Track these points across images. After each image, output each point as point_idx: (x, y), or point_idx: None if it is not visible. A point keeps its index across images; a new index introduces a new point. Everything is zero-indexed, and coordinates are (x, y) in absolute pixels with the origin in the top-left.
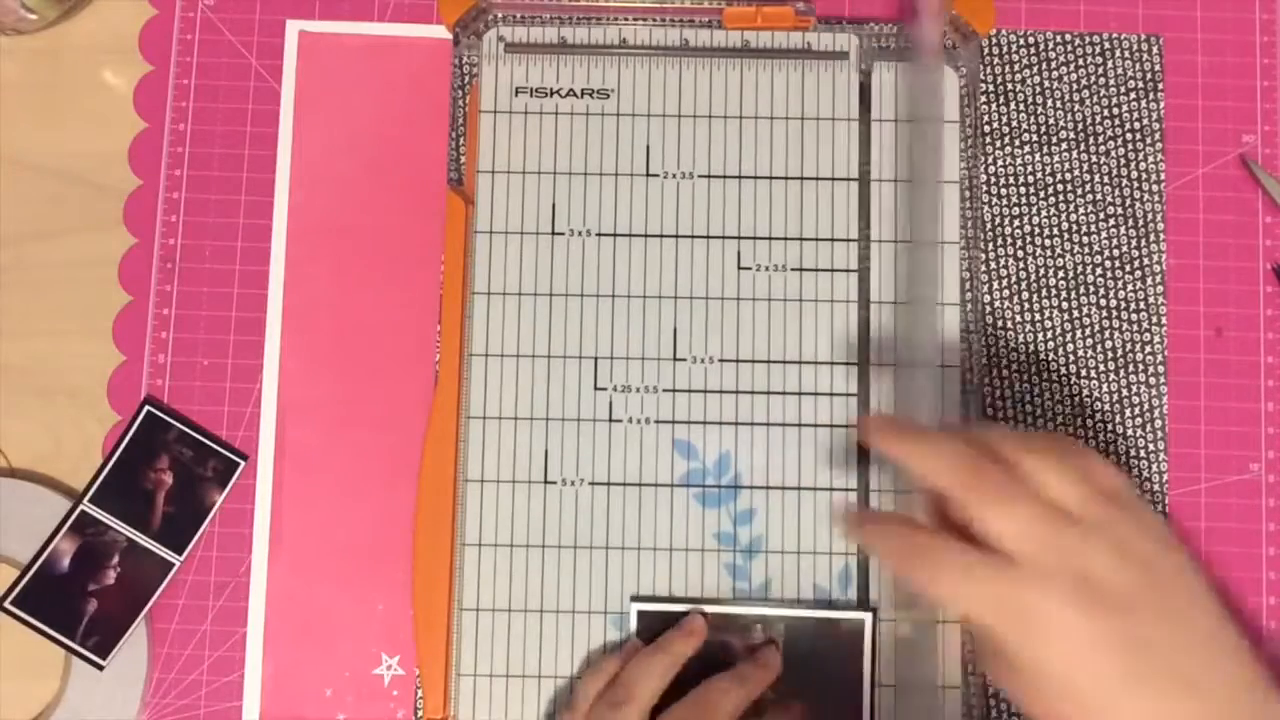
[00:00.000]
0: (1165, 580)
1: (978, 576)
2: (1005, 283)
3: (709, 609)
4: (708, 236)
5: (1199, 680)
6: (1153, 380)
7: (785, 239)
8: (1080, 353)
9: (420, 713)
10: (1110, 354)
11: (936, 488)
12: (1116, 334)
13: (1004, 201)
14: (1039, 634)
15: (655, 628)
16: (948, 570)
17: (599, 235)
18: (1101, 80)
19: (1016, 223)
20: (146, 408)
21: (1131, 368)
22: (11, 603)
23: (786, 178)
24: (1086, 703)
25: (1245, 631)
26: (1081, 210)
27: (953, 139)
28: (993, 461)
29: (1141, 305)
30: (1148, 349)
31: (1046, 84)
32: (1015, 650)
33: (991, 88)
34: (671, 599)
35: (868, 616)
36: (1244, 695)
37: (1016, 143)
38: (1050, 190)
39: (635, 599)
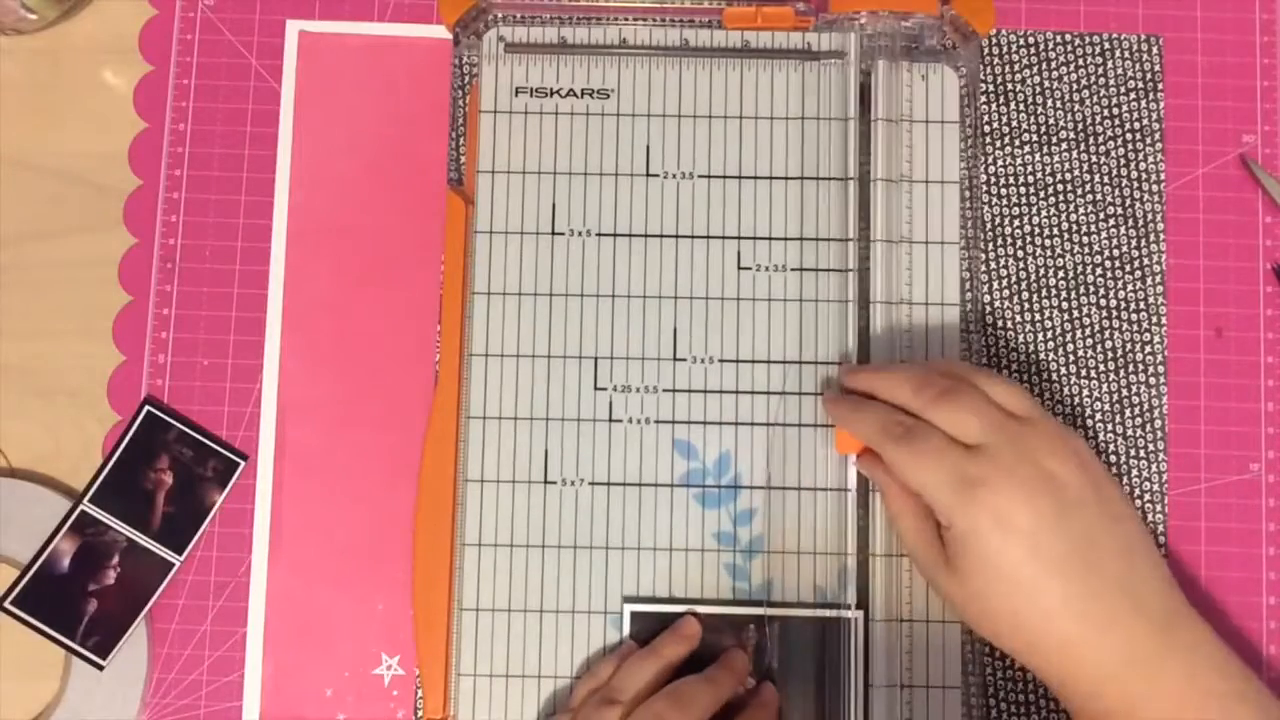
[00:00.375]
0: (1105, 486)
1: (951, 458)
2: (1005, 283)
3: (702, 609)
4: (708, 236)
5: (1140, 591)
6: (1152, 380)
7: (785, 239)
8: (1080, 353)
9: (420, 713)
10: (1110, 354)
11: (900, 403)
12: (1116, 334)
13: (1004, 201)
14: (1000, 521)
15: (650, 628)
16: (925, 447)
17: (599, 235)
18: (1101, 80)
19: (1016, 223)
20: (146, 408)
21: (1131, 368)
22: (11, 603)
23: (786, 178)
24: (1034, 598)
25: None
26: (1081, 210)
27: (953, 139)
28: (942, 375)
29: (1141, 305)
30: (1147, 349)
31: (1046, 84)
32: (973, 541)
33: (991, 88)
34: (670, 599)
35: (859, 615)
36: (1178, 612)
37: (1016, 143)
38: (1050, 190)
39: (628, 600)
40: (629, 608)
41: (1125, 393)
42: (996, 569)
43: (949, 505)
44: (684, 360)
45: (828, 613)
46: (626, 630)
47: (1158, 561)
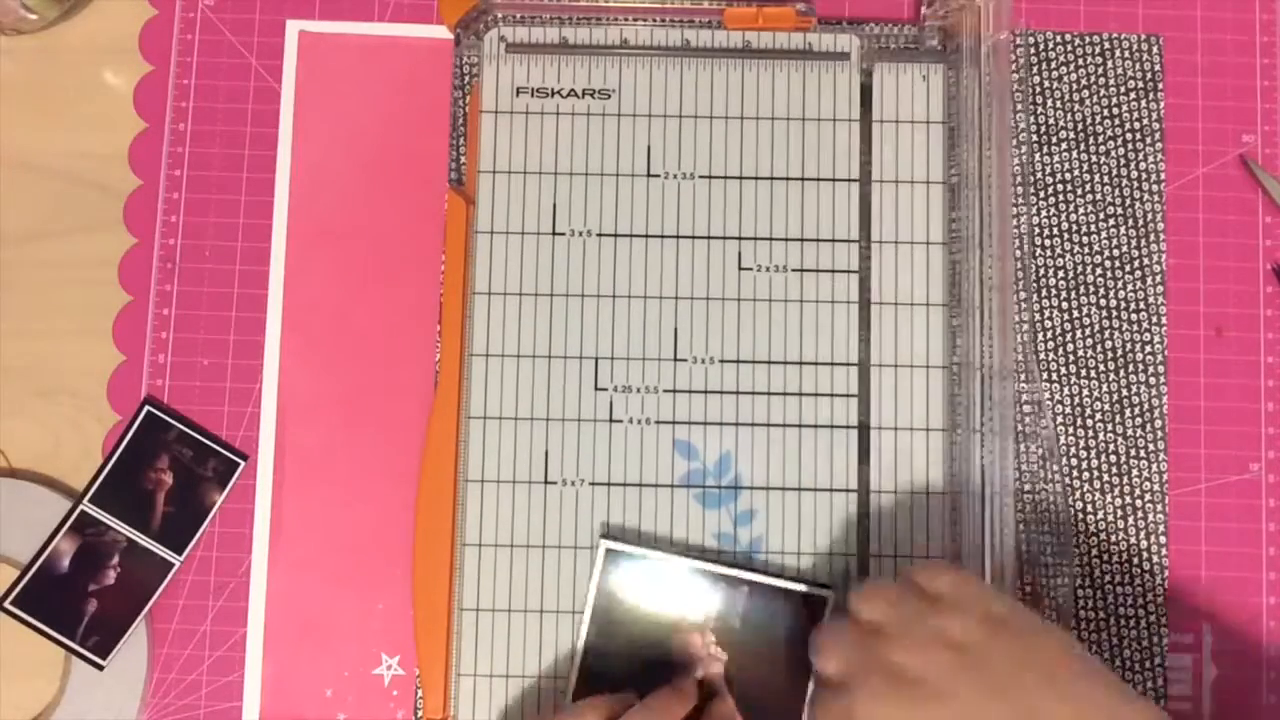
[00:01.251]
0: (988, 654)
1: (824, 706)
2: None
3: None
4: (708, 237)
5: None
6: (1153, 380)
7: (786, 240)
8: (1080, 353)
9: (420, 713)
10: (1110, 354)
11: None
12: (1116, 334)
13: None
14: None
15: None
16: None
17: (600, 235)
18: (1101, 80)
19: (1016, 223)
20: (146, 408)
21: (1131, 367)
22: (11, 603)
23: (787, 178)
24: None
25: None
26: (1081, 210)
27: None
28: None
29: (1141, 305)
30: (1148, 349)
31: (1046, 84)
32: None
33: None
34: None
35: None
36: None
37: (1016, 142)
38: (1050, 190)
39: (605, 536)
40: (605, 544)
41: (1125, 392)
42: None
43: None
44: (684, 361)
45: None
46: (599, 564)
47: (1083, 691)
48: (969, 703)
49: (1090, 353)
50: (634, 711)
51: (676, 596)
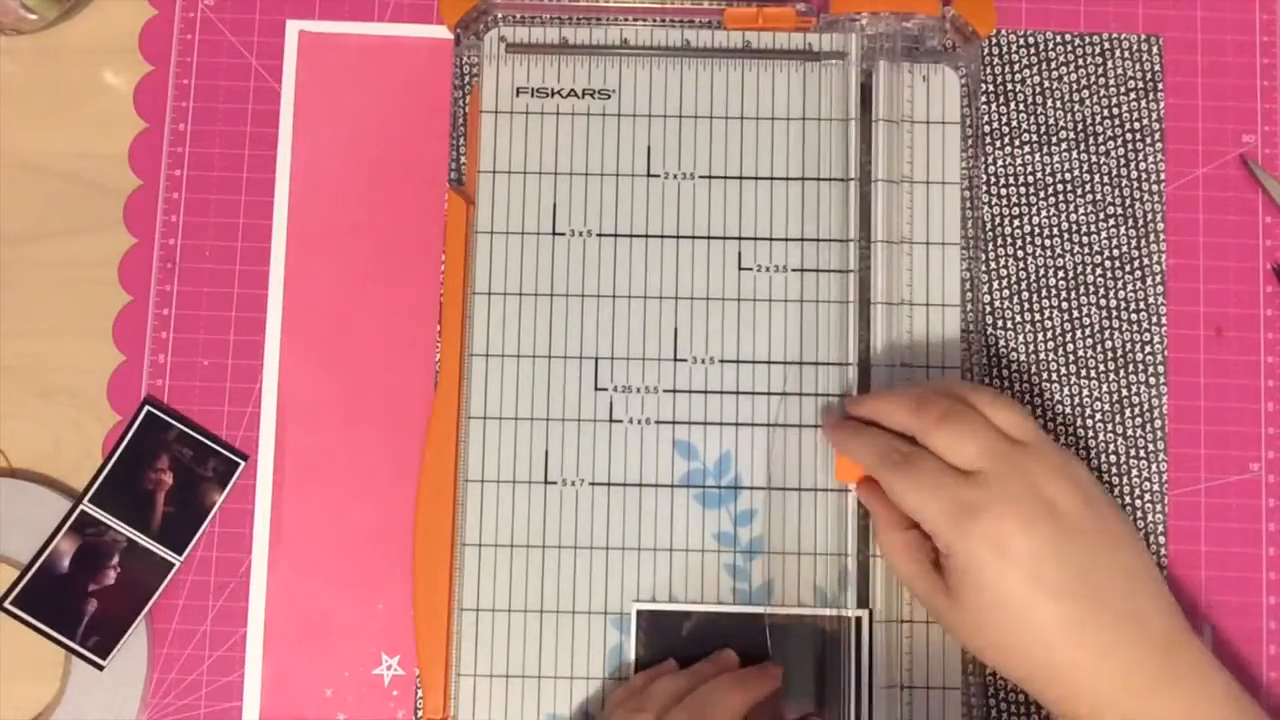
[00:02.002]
0: (1105, 511)
1: (950, 485)
2: (1005, 283)
3: (705, 608)
4: (708, 237)
5: (1141, 616)
6: (1153, 380)
7: (786, 239)
8: (1080, 353)
9: (420, 713)
10: (1110, 354)
11: (899, 427)
12: (1116, 334)
13: (1004, 201)
14: (999, 549)
15: (656, 628)
16: (924, 475)
17: (600, 235)
18: (1101, 80)
19: (1016, 223)
20: (146, 408)
21: (1131, 368)
22: (11, 603)
23: (787, 178)
24: (1034, 625)
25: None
26: (1081, 210)
27: (953, 140)
28: (942, 397)
29: (1141, 305)
30: (1147, 349)
31: (1046, 84)
32: (972, 569)
33: (991, 88)
34: (670, 599)
35: (860, 616)
36: (1179, 638)
37: (1016, 143)
38: (1050, 190)
39: (638, 601)
40: (637, 605)
41: (1125, 393)
42: (996, 597)
43: (947, 533)
44: (684, 361)
45: (828, 612)
46: (631, 631)
47: (1159, 588)
48: (1087, 544)
49: (1090, 353)
50: (722, 679)
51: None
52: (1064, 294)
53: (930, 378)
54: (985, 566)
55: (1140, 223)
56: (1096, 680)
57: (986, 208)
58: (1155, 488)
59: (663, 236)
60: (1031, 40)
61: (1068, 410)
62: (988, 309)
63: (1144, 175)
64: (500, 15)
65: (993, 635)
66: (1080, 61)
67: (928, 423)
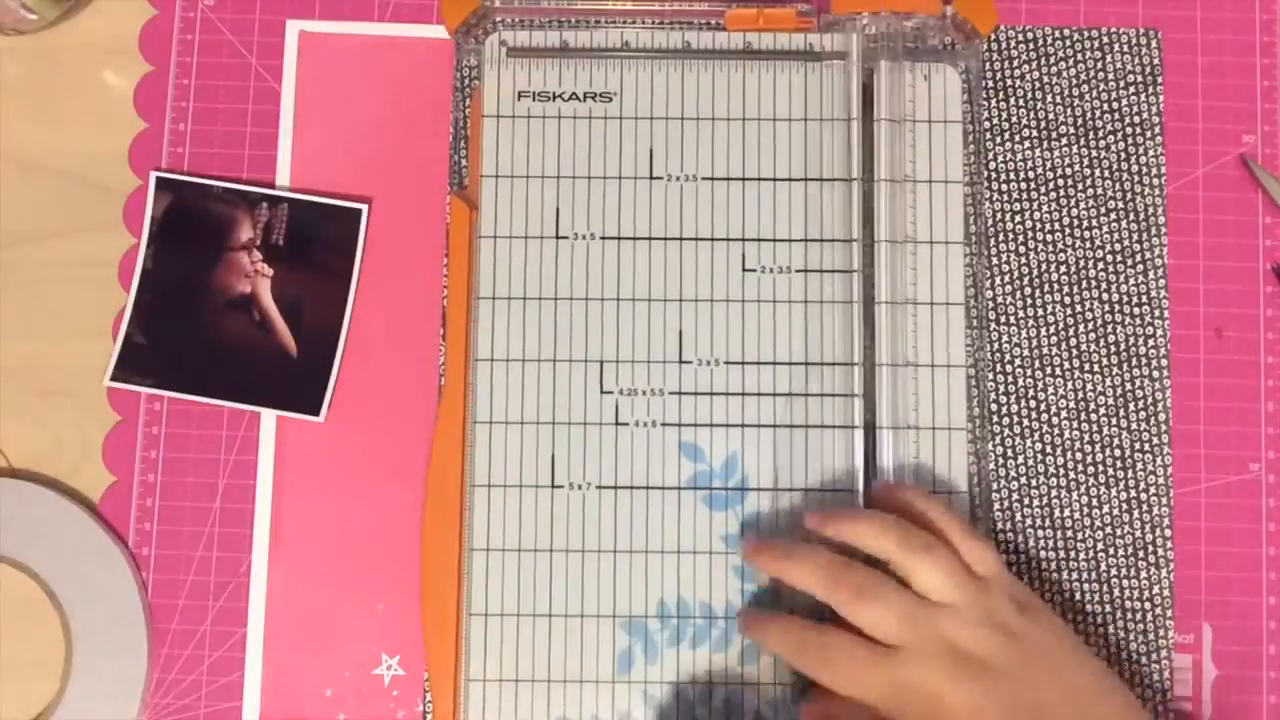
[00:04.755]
0: (1035, 641)
1: (865, 666)
2: (1008, 278)
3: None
4: (712, 239)
5: None
6: (1155, 374)
7: (789, 240)
8: (1083, 348)
9: (429, 718)
10: (1113, 348)
11: (811, 593)
12: (1119, 328)
13: (1005, 197)
14: (930, 712)
15: None
16: (838, 663)
17: (603, 239)
18: (1101, 75)
19: (1018, 219)
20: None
21: (1135, 361)
22: None
23: (790, 179)
24: None
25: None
26: (1082, 205)
27: (955, 138)
28: (855, 565)
29: (1143, 299)
30: (1150, 343)
31: (1046, 79)
32: None
33: (991, 84)
34: (678, 602)
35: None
36: None
37: (1017, 138)
38: (1051, 185)
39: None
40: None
41: (1129, 386)
42: None
43: (891, 713)
44: (690, 363)
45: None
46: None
47: (1112, 694)
48: (1024, 682)
49: (1093, 347)
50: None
51: None
52: (1066, 289)
53: (935, 376)
54: None
55: (1141, 217)
56: None
57: (988, 204)
58: (1160, 481)
59: (666, 239)
60: (1031, 36)
61: (1071, 405)
62: (991, 304)
63: (1144, 169)
64: (501, 19)
65: None
66: (1080, 56)
67: (842, 599)
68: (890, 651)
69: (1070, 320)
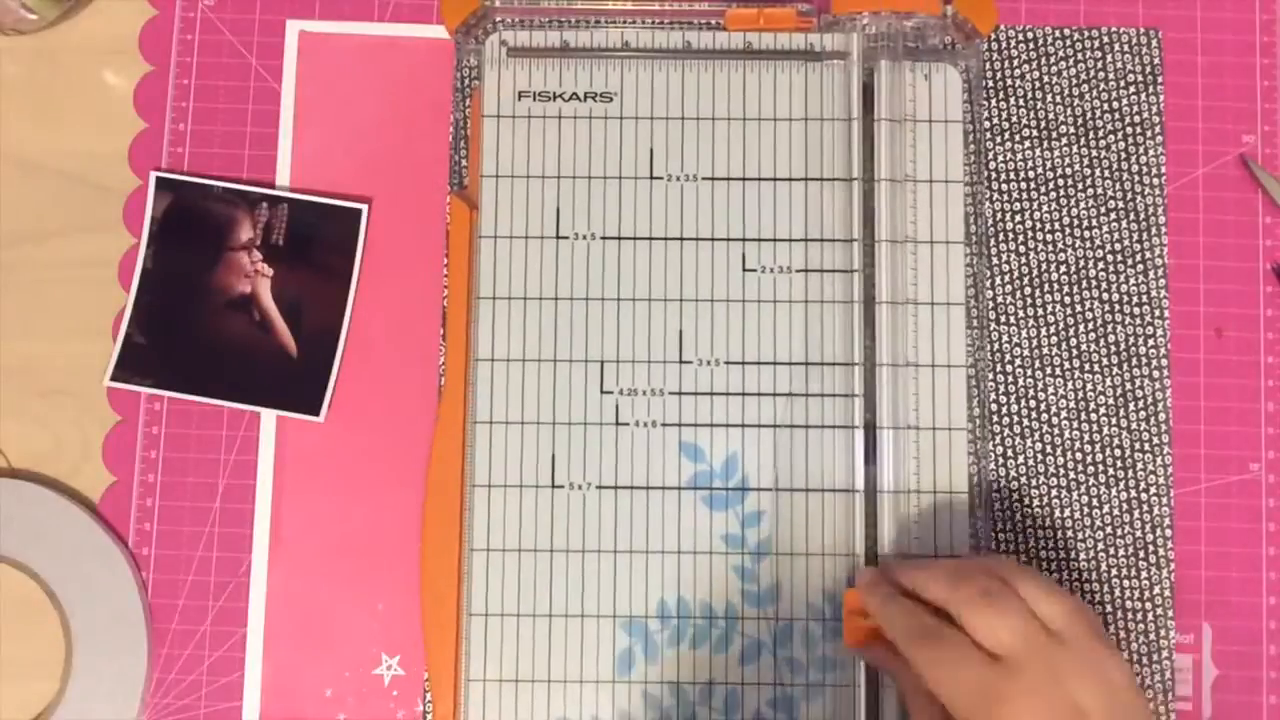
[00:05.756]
0: (1129, 714)
1: (977, 668)
2: (1008, 278)
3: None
4: (712, 239)
5: None
6: (1155, 374)
7: (790, 240)
8: (1083, 347)
9: (429, 718)
10: (1113, 348)
11: (934, 598)
12: (1119, 328)
13: (1005, 197)
14: None
15: None
16: (948, 652)
17: (604, 239)
18: (1101, 75)
19: (1018, 218)
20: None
21: (1135, 361)
22: None
23: (790, 179)
24: None
25: None
26: (1082, 205)
27: (956, 138)
28: (981, 573)
29: (1144, 299)
30: (1150, 342)
31: (1046, 79)
32: None
33: (991, 83)
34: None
35: None
36: None
37: (1017, 138)
38: (1051, 185)
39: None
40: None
41: (1129, 386)
42: None
43: (967, 716)
44: (690, 363)
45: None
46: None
47: None
48: None
49: (1093, 347)
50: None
51: None
52: (1066, 288)
53: (935, 375)
54: None
55: (1141, 216)
56: None
57: (988, 204)
58: (1161, 481)
59: (666, 239)
60: (1031, 35)
61: (1071, 405)
62: (991, 304)
63: (1144, 169)
64: (501, 19)
65: None
66: (1080, 56)
67: (964, 598)
68: (1000, 660)
69: (1070, 320)
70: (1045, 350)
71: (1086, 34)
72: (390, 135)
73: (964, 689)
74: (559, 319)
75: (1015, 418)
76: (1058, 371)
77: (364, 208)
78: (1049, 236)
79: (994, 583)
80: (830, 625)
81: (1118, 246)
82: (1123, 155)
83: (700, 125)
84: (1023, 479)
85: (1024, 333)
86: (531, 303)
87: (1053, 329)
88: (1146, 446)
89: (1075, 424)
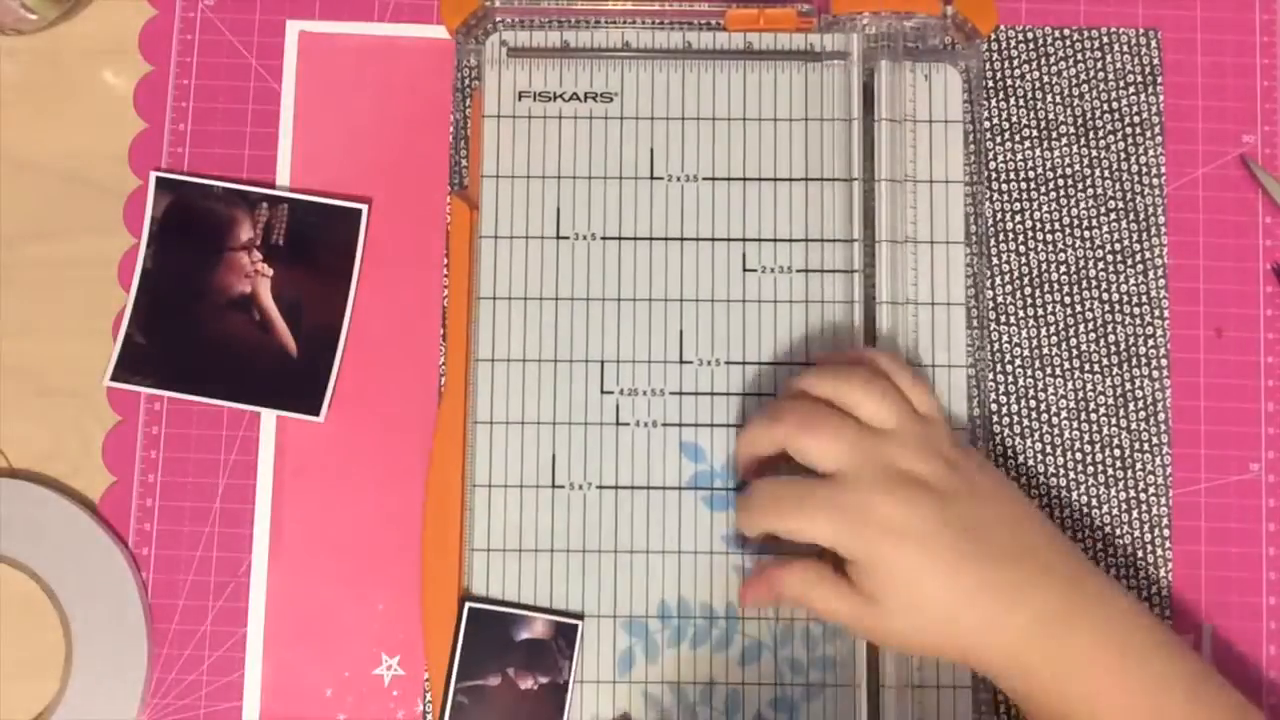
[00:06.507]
0: (972, 472)
1: (817, 498)
2: (1008, 278)
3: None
4: (713, 239)
5: (1037, 561)
6: (1155, 374)
7: (790, 240)
8: (1083, 347)
9: (429, 718)
10: (1113, 348)
11: (769, 444)
12: (1119, 328)
13: (1005, 197)
14: (879, 535)
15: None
16: (790, 501)
17: (604, 239)
18: (1100, 75)
19: (1018, 218)
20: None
21: (1135, 361)
22: None
23: (791, 179)
24: (938, 596)
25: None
26: (1082, 205)
27: (956, 138)
28: (801, 400)
29: (1143, 299)
30: (1150, 342)
31: (1046, 79)
32: (876, 561)
33: (991, 83)
34: (679, 601)
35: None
36: (1079, 571)
37: (1017, 138)
38: (1051, 185)
39: (469, 598)
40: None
41: (1129, 386)
42: (903, 581)
43: (848, 540)
44: (690, 363)
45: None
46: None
47: (1047, 529)
48: (961, 503)
49: (1093, 347)
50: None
51: None
52: (1066, 288)
53: (936, 375)
54: (886, 555)
55: (1141, 216)
56: (1010, 628)
57: (988, 204)
58: (1160, 481)
59: (667, 239)
60: (1031, 35)
61: (1071, 405)
62: (991, 304)
63: (1144, 169)
64: (501, 19)
65: (912, 621)
66: (1079, 56)
67: (791, 431)
68: (837, 480)
69: (1070, 320)
70: (1045, 350)
71: (1086, 34)
72: (390, 135)
73: (830, 517)
74: (559, 319)
75: (1015, 418)
76: (1058, 371)
77: (364, 208)
78: (1049, 236)
79: (812, 407)
80: (831, 625)
81: (1118, 246)
82: (1123, 155)
83: (700, 125)
84: (1023, 479)
85: (1024, 333)
86: (532, 303)
87: (1053, 329)
88: (1146, 446)
89: (1075, 424)
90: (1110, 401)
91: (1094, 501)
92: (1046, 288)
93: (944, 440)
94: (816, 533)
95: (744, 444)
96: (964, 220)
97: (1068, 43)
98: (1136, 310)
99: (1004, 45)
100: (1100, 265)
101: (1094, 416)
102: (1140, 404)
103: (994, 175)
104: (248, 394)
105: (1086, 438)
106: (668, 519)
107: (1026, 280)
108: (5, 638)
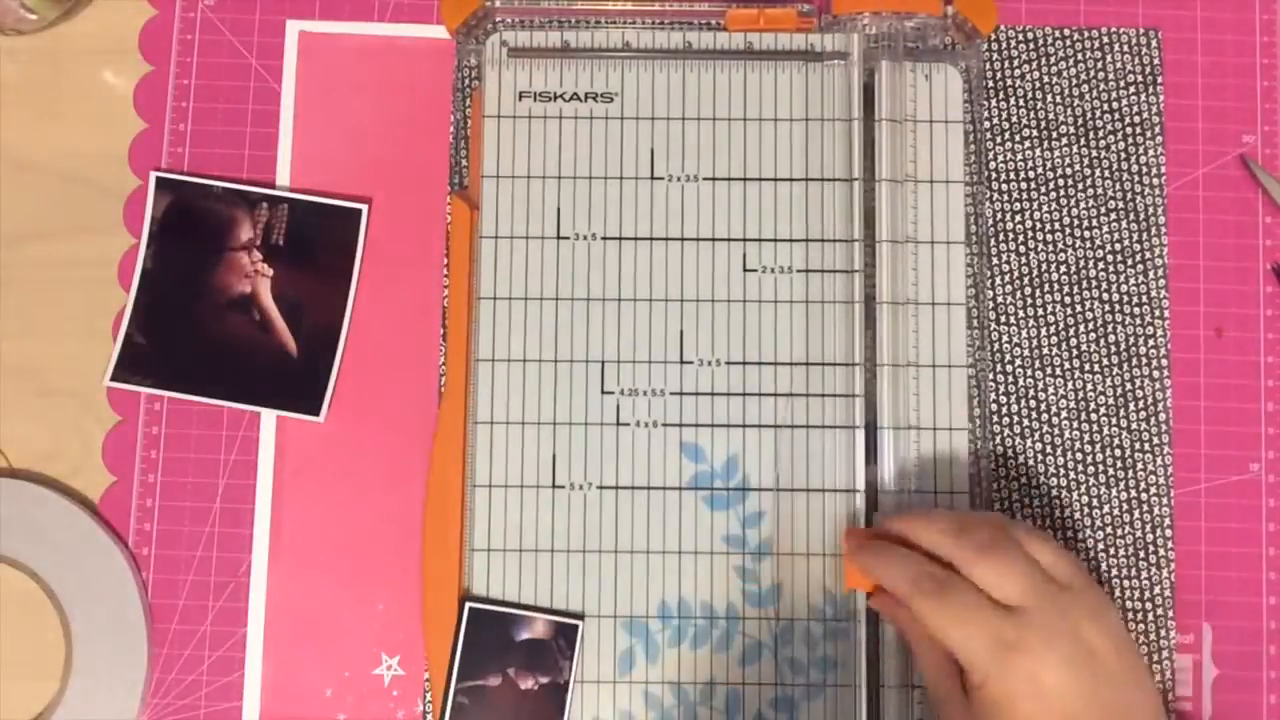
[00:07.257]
0: (1133, 658)
1: (989, 618)
2: (1008, 278)
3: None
4: (713, 239)
5: None
6: (1155, 374)
7: (790, 240)
8: (1083, 347)
9: (429, 718)
10: (1113, 348)
11: (936, 550)
12: (1119, 328)
13: (1005, 197)
14: (1036, 688)
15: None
16: (960, 606)
17: (604, 239)
18: (1101, 75)
19: (1018, 218)
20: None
21: (1135, 361)
22: None
23: (791, 179)
24: None
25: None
26: (1082, 205)
27: (956, 138)
28: (982, 524)
29: (1144, 299)
30: (1150, 342)
31: (1046, 79)
32: (1005, 704)
33: (991, 84)
34: (680, 602)
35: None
36: None
37: (1017, 138)
38: (1051, 185)
39: (470, 598)
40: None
41: (1129, 386)
42: None
43: (985, 666)
44: (691, 363)
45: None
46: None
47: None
48: (1126, 692)
49: (1093, 347)
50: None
51: None
52: (1066, 288)
53: (936, 375)
54: (1019, 704)
55: (1141, 216)
56: None
57: (988, 204)
58: (1161, 481)
59: (667, 239)
60: (1031, 36)
61: (1072, 405)
62: (991, 304)
63: (1144, 169)
64: (501, 19)
65: None
66: (1079, 56)
67: (969, 552)
68: (1011, 610)
69: (1070, 320)
70: (1045, 350)
71: (1086, 34)
72: (390, 135)
73: (978, 639)
74: (560, 319)
75: (1015, 418)
76: (1058, 371)
77: (364, 208)
78: (1049, 236)
79: (995, 533)
80: (831, 625)
81: (1118, 246)
82: (1123, 155)
83: (701, 125)
84: (1023, 479)
85: (1024, 333)
86: (532, 303)
87: (1053, 329)
88: (1146, 446)
89: (1075, 424)
90: (1111, 401)
91: (1095, 501)
92: (1047, 288)
93: (1116, 615)
94: (961, 644)
95: (902, 527)
96: (964, 220)
97: (1068, 43)
98: (1137, 310)
99: (1004, 45)
100: (1100, 265)
101: (1094, 416)
102: (1141, 404)
103: (994, 175)
104: (248, 394)
105: (1087, 438)
106: (668, 519)
107: (1027, 280)
108: (5, 638)
